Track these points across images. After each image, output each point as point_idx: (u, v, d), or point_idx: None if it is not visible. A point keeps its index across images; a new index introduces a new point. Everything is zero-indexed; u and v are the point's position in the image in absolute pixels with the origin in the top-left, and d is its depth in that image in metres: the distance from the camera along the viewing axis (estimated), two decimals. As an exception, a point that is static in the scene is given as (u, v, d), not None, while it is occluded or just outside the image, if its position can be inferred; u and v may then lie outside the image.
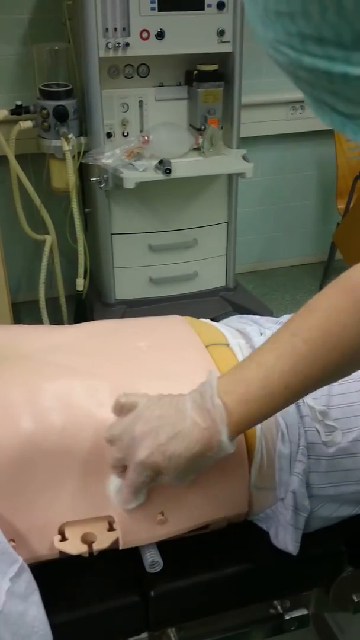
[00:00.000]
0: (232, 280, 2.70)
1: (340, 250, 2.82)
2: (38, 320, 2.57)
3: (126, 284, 2.54)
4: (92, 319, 2.56)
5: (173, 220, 2.47)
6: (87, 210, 2.52)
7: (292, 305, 2.95)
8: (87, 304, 2.61)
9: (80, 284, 2.45)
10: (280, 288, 3.11)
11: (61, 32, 2.33)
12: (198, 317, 2.61)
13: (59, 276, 2.59)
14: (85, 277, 2.46)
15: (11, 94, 2.44)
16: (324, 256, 3.04)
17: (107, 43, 2.08)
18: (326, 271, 2.99)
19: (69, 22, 2.25)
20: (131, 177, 2.16)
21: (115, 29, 2.08)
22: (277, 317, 1.20)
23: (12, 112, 2.21)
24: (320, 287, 3.00)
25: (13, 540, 0.82)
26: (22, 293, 2.85)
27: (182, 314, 2.62)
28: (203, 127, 2.31)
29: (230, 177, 2.47)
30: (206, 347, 1.03)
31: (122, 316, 2.52)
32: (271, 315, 2.62)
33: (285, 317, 1.20)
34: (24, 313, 2.79)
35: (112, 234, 2.43)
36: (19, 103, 2.22)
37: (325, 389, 0.97)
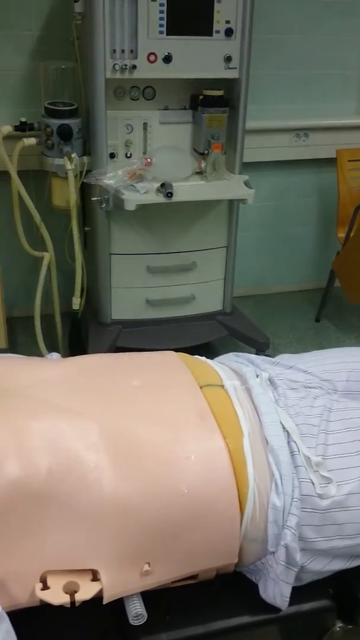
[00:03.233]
0: (229, 304, 2.68)
1: (339, 278, 2.81)
2: (32, 336, 2.54)
3: (123, 304, 2.51)
4: (87, 338, 2.53)
5: (172, 243, 2.45)
6: (86, 229, 2.50)
7: (289, 331, 2.93)
8: (83, 323, 2.58)
9: (77, 303, 2.42)
10: (277, 313, 3.09)
11: (69, 50, 2.32)
12: (194, 341, 2.57)
13: (56, 293, 2.56)
14: (81, 296, 2.43)
15: (16, 110, 2.43)
16: (322, 283, 3.02)
17: (114, 64, 2.07)
18: (324, 298, 2.98)
19: (77, 41, 2.24)
20: (132, 199, 2.15)
21: (123, 51, 2.07)
22: (276, 349, 1.18)
23: (17, 128, 2.19)
24: (318, 314, 3.00)
25: (-8, 588, 0.79)
26: (17, 308, 2.82)
27: (178, 337, 2.59)
28: (206, 151, 2.30)
29: (231, 202, 2.46)
30: (201, 387, 1.01)
31: (117, 336, 2.49)
32: (267, 341, 2.60)
33: (281, 357, 1.18)
34: (18, 328, 2.76)
35: (110, 254, 2.41)
36: (23, 120, 2.20)
37: (321, 438, 0.95)
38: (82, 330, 2.57)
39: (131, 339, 2.49)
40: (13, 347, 2.61)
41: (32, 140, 2.19)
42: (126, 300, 2.50)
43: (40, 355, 2.46)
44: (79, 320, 2.53)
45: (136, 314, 2.53)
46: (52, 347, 2.57)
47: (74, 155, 2.14)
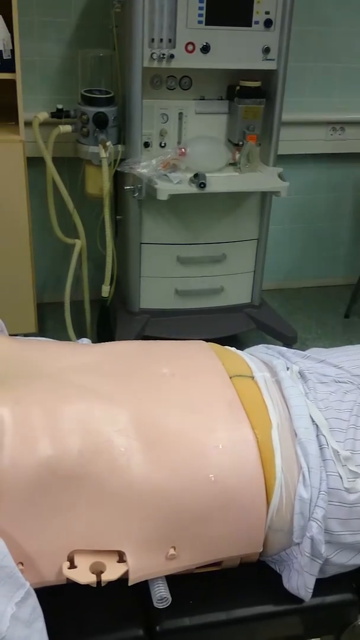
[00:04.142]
0: (257, 297, 2.67)
1: (370, 275, 2.78)
2: (61, 322, 2.57)
3: (151, 293, 2.52)
4: (115, 326, 2.55)
5: (203, 234, 2.45)
6: (118, 217, 2.51)
7: (317, 326, 2.91)
8: (111, 310, 2.60)
9: (106, 290, 2.44)
10: (306, 308, 3.07)
11: (107, 38, 2.33)
12: (221, 333, 2.57)
13: (86, 281, 2.59)
14: (111, 284, 2.45)
15: (53, 97, 2.45)
16: (353, 279, 2.99)
17: (152, 53, 2.07)
18: (354, 295, 2.95)
19: (116, 29, 2.25)
20: (165, 189, 2.15)
21: (161, 40, 2.07)
22: (303, 343, 1.18)
23: (53, 115, 2.21)
24: (348, 310, 2.97)
25: (22, 563, 0.81)
26: (47, 294, 2.85)
27: (206, 328, 2.59)
28: (241, 142, 2.29)
29: (264, 194, 2.45)
30: (230, 377, 1.01)
31: (145, 325, 2.51)
32: (295, 335, 2.59)
33: (312, 351, 1.18)
34: (48, 314, 2.79)
35: (141, 243, 2.42)
36: (60, 106, 2.22)
37: (350, 433, 0.95)
38: (110, 318, 2.59)
39: (158, 328, 2.50)
40: (42, 332, 2.64)
41: (67, 128, 2.20)
42: (155, 289, 2.51)
43: (69, 340, 2.48)
44: (108, 308, 2.55)
45: (164, 304, 2.54)
46: (80, 334, 2.59)
47: (108, 143, 2.15)
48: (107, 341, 2.38)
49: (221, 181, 2.24)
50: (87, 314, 2.65)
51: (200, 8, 2.07)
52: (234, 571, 0.93)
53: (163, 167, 2.21)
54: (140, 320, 2.52)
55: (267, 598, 0.93)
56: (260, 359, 1.10)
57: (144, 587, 0.86)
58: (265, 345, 1.20)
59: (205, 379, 1.00)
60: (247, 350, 1.18)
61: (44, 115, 2.20)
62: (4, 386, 0.90)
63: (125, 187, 2.27)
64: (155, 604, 0.85)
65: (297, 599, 0.91)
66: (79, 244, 2.45)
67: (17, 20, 2.01)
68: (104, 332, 2.59)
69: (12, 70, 2.05)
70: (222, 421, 0.92)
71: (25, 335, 2.37)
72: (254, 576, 0.94)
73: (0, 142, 2.15)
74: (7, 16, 2.01)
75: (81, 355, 1.03)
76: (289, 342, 2.54)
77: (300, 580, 0.90)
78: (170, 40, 2.08)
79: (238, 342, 2.68)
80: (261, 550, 0.92)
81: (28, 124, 2.17)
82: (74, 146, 2.27)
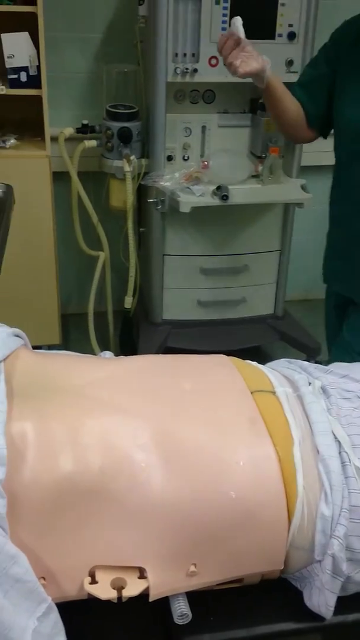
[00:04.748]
0: (280, 308, 2.67)
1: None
2: (84, 333, 2.59)
3: (174, 304, 2.54)
4: (137, 337, 2.57)
5: (226, 245, 2.46)
6: (141, 229, 2.54)
7: (340, 338, 2.89)
8: (134, 321, 2.62)
9: (129, 302, 2.46)
10: (329, 319, 3.05)
11: (131, 53, 2.36)
12: (243, 344, 2.57)
13: (109, 292, 2.61)
14: (134, 295, 2.47)
15: (78, 112, 2.49)
16: (377, 290, 2.97)
17: (176, 68, 2.10)
18: (378, 306, 2.92)
19: (140, 44, 2.28)
20: (187, 202, 2.17)
21: (185, 54, 2.10)
22: (325, 357, 1.17)
23: (78, 130, 2.25)
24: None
25: (43, 578, 0.82)
26: (72, 305, 2.89)
27: (228, 339, 2.59)
28: (264, 155, 2.30)
29: (286, 205, 2.45)
30: (252, 393, 1.01)
31: (167, 336, 2.52)
32: (318, 347, 2.57)
33: (334, 365, 1.17)
34: (72, 325, 2.82)
35: (164, 255, 2.43)
36: (85, 122, 2.26)
37: (373, 451, 0.94)
38: (133, 329, 2.61)
39: (181, 339, 2.51)
40: (66, 343, 2.67)
41: (92, 143, 2.24)
42: (177, 300, 2.53)
43: (92, 352, 2.51)
44: (131, 319, 2.57)
45: (187, 315, 2.55)
46: (103, 344, 2.62)
47: (132, 157, 2.18)
48: (130, 352, 2.40)
49: (244, 193, 2.25)
50: (110, 325, 2.68)
51: (224, 22, 2.09)
52: (254, 588, 0.93)
53: (186, 180, 2.23)
54: (162, 331, 2.53)
55: (288, 615, 0.92)
56: (281, 374, 1.10)
57: (164, 604, 0.87)
58: (287, 359, 1.19)
59: (226, 395, 1.01)
60: (268, 364, 1.18)
61: (69, 131, 2.24)
62: (27, 400, 0.91)
63: (148, 200, 2.29)
64: (176, 620, 0.85)
65: (318, 617, 0.90)
66: (103, 256, 2.48)
67: (43, 36, 2.05)
68: (127, 343, 2.61)
69: (38, 86, 2.10)
70: (243, 437, 0.92)
71: (49, 346, 2.40)
72: (275, 593, 0.94)
73: (27, 157, 2.19)
74: (33, 32, 2.06)
75: (103, 369, 1.04)
76: (312, 353, 2.53)
77: (322, 598, 0.89)
78: (193, 55, 2.10)
79: (260, 353, 2.67)
80: (282, 567, 0.91)
81: (54, 139, 2.21)
82: (99, 160, 2.31)
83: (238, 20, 1.46)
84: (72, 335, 2.80)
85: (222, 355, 1.15)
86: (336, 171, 1.64)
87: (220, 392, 1.01)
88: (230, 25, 1.48)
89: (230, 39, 1.48)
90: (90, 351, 2.52)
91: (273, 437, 0.92)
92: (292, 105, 1.60)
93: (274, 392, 1.03)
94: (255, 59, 1.50)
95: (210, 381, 1.04)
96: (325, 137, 1.68)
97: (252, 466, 0.89)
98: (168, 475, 0.85)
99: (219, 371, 1.08)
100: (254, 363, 1.15)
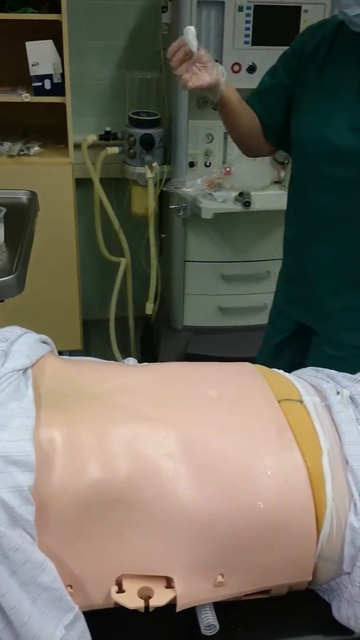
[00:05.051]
0: (302, 315, 2.65)
1: None
2: (105, 339, 2.60)
3: (195, 311, 2.53)
4: (158, 343, 2.57)
5: (247, 251, 2.45)
6: (163, 235, 2.54)
7: (362, 345, 2.86)
8: (155, 327, 2.62)
9: (150, 308, 2.47)
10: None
11: (154, 61, 2.37)
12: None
13: (130, 298, 2.62)
14: (155, 301, 2.47)
15: (101, 119, 2.50)
16: None
17: (199, 75, 2.10)
18: None
19: (163, 51, 2.28)
20: (209, 208, 2.17)
21: (208, 61, 2.10)
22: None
23: (101, 137, 2.26)
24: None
25: (70, 586, 0.82)
26: (93, 311, 2.90)
27: (249, 346, 2.58)
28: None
29: (309, 212, 2.43)
30: (279, 401, 1.00)
31: (188, 342, 2.51)
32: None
33: (363, 374, 1.15)
34: (93, 330, 2.83)
35: (185, 261, 2.44)
36: (108, 129, 2.27)
37: None
38: (153, 335, 2.61)
39: (202, 345, 2.51)
40: (87, 348, 2.68)
41: (115, 149, 2.25)
42: (199, 307, 2.52)
43: (113, 358, 2.51)
44: (152, 325, 2.57)
45: (208, 321, 2.55)
46: (124, 350, 2.62)
47: (154, 164, 2.18)
48: (150, 358, 2.40)
49: (266, 199, 2.25)
50: (131, 331, 2.68)
51: (247, 29, 2.09)
52: (282, 599, 0.92)
53: (208, 187, 2.22)
54: (183, 337, 2.53)
55: (316, 628, 0.91)
56: (308, 382, 1.08)
57: (191, 614, 0.86)
58: (314, 367, 1.18)
59: (253, 403, 1.00)
60: (294, 372, 1.17)
61: (92, 138, 2.26)
62: (55, 407, 0.92)
63: (170, 207, 2.29)
64: (203, 631, 0.84)
65: (346, 630, 0.89)
66: (124, 262, 2.49)
67: (67, 44, 2.07)
68: (148, 349, 2.62)
69: (62, 94, 2.11)
70: (271, 447, 0.91)
71: (71, 352, 2.41)
72: (303, 605, 0.92)
73: (50, 164, 2.21)
74: (57, 40, 2.07)
75: (128, 376, 1.04)
76: (334, 361, 2.51)
77: (351, 611, 0.88)
78: (216, 61, 2.10)
79: (282, 360, 2.65)
80: (310, 579, 0.90)
81: (77, 146, 2.23)
82: (121, 167, 2.32)
83: (190, 30, 1.27)
84: (93, 341, 2.81)
85: (247, 362, 1.14)
86: (291, 191, 1.51)
87: (247, 401, 1.00)
88: (183, 34, 1.29)
89: (181, 49, 1.32)
90: (111, 357, 2.53)
91: (301, 447, 0.91)
92: (247, 117, 1.49)
93: (301, 401, 1.02)
94: (208, 71, 1.36)
95: (237, 389, 1.03)
96: (286, 151, 1.55)
97: (280, 476, 0.88)
98: (196, 485, 0.85)
99: (245, 379, 1.07)
100: (280, 371, 1.14)
